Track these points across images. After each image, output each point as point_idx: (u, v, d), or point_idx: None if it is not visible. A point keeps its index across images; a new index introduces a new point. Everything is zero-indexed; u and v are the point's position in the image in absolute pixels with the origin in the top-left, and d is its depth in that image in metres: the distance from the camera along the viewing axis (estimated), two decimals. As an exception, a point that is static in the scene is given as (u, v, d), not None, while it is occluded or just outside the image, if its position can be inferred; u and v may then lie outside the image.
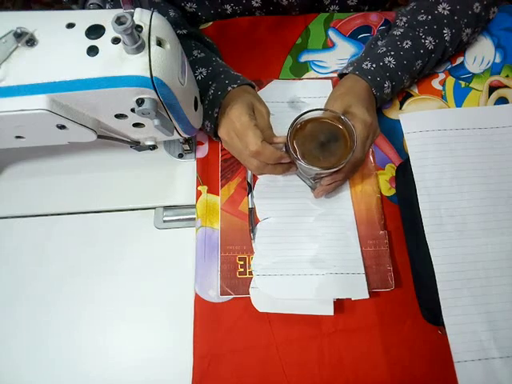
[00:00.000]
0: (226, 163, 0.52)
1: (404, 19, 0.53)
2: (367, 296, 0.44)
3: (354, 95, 0.48)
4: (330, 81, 0.55)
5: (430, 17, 0.51)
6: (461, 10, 0.51)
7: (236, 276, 0.46)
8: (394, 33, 0.53)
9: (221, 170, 0.51)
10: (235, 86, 0.47)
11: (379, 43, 0.54)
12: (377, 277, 0.46)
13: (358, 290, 0.44)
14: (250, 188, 0.50)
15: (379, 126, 0.48)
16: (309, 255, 0.47)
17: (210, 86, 0.49)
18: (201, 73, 0.50)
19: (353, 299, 0.45)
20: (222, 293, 0.46)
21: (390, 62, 0.50)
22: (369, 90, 0.49)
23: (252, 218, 0.49)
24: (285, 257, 0.47)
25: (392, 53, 0.50)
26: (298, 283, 0.45)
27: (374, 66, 0.50)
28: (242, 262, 0.47)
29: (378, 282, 0.46)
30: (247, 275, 0.46)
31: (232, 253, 0.48)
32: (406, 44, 0.51)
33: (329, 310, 0.44)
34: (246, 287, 0.46)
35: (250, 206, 0.49)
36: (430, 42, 0.51)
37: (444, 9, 0.51)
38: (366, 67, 0.50)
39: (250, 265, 0.47)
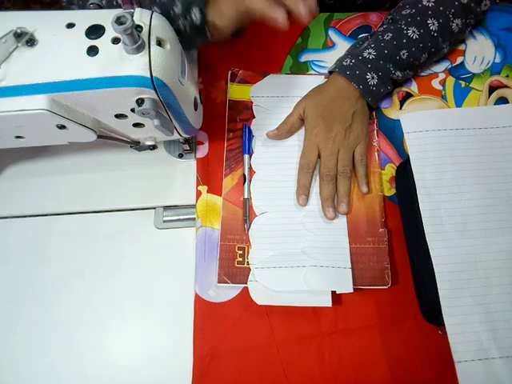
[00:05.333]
0: (231, 153, 0.52)
1: (389, 17, 0.54)
2: (351, 290, 0.44)
3: (316, 98, 0.52)
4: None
5: (413, 10, 0.52)
6: (446, 1, 0.51)
7: (234, 265, 0.47)
8: (378, 29, 0.54)
9: (225, 160, 0.52)
10: None
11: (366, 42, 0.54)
12: (373, 273, 0.46)
13: (343, 284, 0.45)
14: (245, 179, 0.50)
15: (379, 125, 0.48)
16: (299, 248, 0.47)
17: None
18: None
19: (337, 292, 0.45)
20: (220, 281, 0.46)
21: (369, 53, 0.51)
22: (346, 87, 0.50)
23: (246, 208, 0.49)
24: (279, 250, 0.47)
25: (372, 45, 0.51)
26: (289, 275, 0.46)
27: (353, 61, 0.51)
28: (240, 252, 0.47)
29: (375, 279, 0.46)
30: (245, 265, 0.47)
31: (232, 242, 0.48)
32: (387, 36, 0.51)
33: (327, 301, 0.44)
34: (243, 277, 0.46)
35: (245, 197, 0.50)
36: (414, 31, 0.51)
37: (429, 1, 0.51)
38: (345, 64, 0.51)
39: (248, 254, 0.47)
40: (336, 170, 0.49)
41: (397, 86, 0.55)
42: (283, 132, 0.52)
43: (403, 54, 0.51)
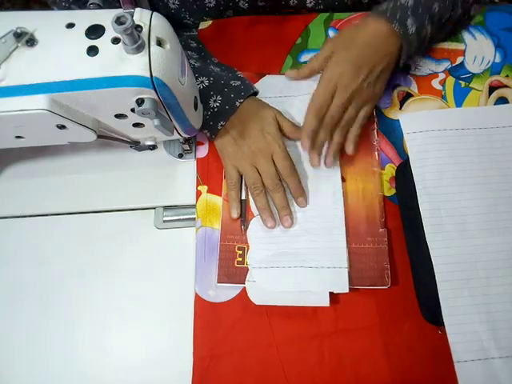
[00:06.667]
0: None
1: None
2: (347, 290, 0.45)
3: (349, 41, 0.49)
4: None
5: None
6: None
7: (234, 265, 0.47)
8: None
9: None
10: (242, 100, 0.49)
11: None
12: (373, 273, 0.46)
13: (339, 284, 0.45)
14: (242, 179, 0.50)
15: (379, 125, 0.47)
16: (296, 248, 0.47)
17: (212, 96, 0.50)
18: (202, 82, 0.50)
19: (335, 292, 0.45)
20: (219, 281, 0.46)
21: (407, 1, 0.48)
22: (385, 33, 0.48)
23: (244, 209, 0.49)
24: (276, 250, 0.47)
25: None
26: (286, 275, 0.46)
27: (391, 5, 0.48)
28: (240, 252, 0.48)
29: (374, 279, 0.46)
30: (245, 265, 0.47)
31: (231, 242, 0.48)
32: None
33: (324, 301, 0.44)
34: (242, 277, 0.46)
35: (243, 198, 0.50)
36: None
37: None
38: (383, 9, 0.49)
39: (247, 254, 0.47)
40: (337, 120, 0.48)
41: (396, 87, 0.55)
42: (305, 72, 0.52)
43: (435, 9, 0.49)
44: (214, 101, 0.50)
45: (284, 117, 0.51)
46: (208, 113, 0.50)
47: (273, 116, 0.50)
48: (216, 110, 0.49)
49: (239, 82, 0.51)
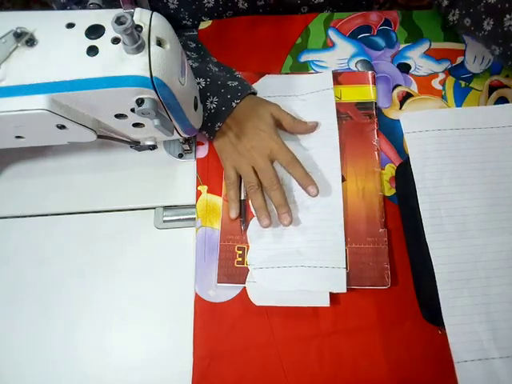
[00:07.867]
0: None
1: None
2: (345, 290, 0.45)
3: None
4: (329, 72, 0.55)
5: None
6: None
7: (234, 265, 0.47)
8: None
9: None
10: (238, 101, 0.49)
11: None
12: (373, 274, 0.46)
13: (337, 284, 0.45)
14: (241, 179, 0.50)
15: (379, 125, 0.47)
16: (295, 248, 0.47)
17: (209, 97, 0.50)
18: (199, 83, 0.50)
19: (333, 292, 0.45)
20: (219, 281, 0.46)
21: None
22: None
23: (243, 209, 0.49)
24: (276, 250, 0.47)
25: None
26: (285, 275, 0.46)
27: None
28: (240, 252, 0.48)
29: (374, 279, 0.46)
30: (244, 265, 0.47)
31: (231, 242, 0.48)
32: None
33: (325, 301, 0.44)
34: (242, 277, 0.46)
35: (243, 198, 0.50)
36: None
37: None
38: None
39: (247, 254, 0.47)
40: None
41: (396, 87, 0.55)
42: None
43: None
44: (211, 102, 0.49)
45: (282, 111, 0.51)
46: (205, 114, 0.50)
47: (269, 113, 0.50)
48: (213, 111, 0.49)
49: (236, 83, 0.51)
